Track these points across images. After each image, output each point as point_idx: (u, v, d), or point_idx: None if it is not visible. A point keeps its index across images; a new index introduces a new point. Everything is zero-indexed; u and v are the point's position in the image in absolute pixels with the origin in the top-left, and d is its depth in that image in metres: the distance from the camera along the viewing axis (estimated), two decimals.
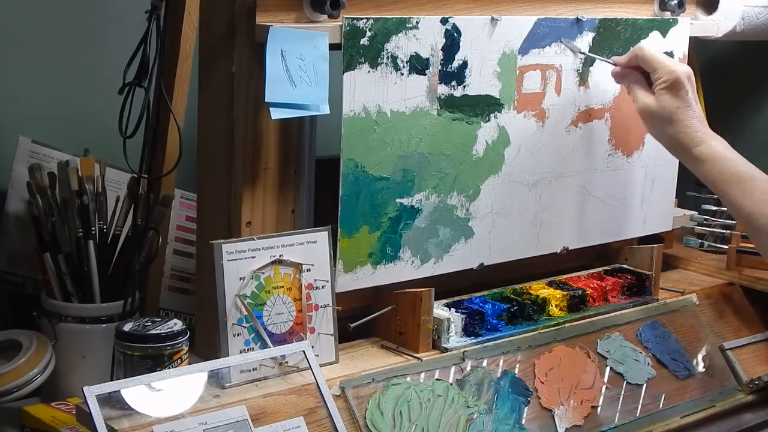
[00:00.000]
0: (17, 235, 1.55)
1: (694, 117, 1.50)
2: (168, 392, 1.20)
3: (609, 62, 1.59)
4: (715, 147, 1.49)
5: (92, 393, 1.12)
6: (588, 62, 1.61)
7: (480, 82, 1.48)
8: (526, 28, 1.52)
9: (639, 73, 1.54)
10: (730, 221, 1.85)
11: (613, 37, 1.62)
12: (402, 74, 1.40)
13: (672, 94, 1.49)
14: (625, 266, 1.74)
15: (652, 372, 1.57)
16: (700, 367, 1.63)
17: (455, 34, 1.44)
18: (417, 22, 1.40)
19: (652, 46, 1.56)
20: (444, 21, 1.43)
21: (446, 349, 1.43)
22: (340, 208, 1.38)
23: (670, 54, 1.72)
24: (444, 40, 1.43)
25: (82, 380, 1.30)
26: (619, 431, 1.49)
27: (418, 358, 1.40)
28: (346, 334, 1.42)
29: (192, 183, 1.52)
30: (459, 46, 1.45)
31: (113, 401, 1.17)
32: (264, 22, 1.30)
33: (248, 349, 1.31)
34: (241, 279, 1.30)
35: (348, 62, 1.35)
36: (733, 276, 1.80)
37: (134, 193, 1.50)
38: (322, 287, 1.37)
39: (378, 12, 1.39)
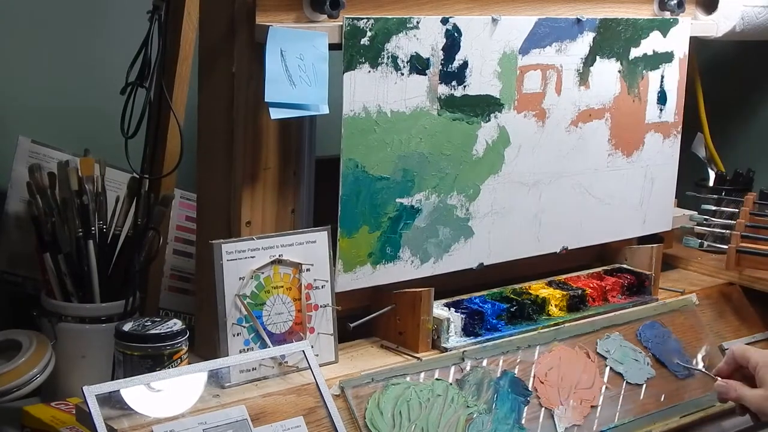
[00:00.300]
0: (17, 235, 1.55)
1: None
2: (168, 392, 1.20)
3: (712, 376, 1.51)
4: None
5: (92, 393, 1.12)
6: (589, 62, 1.61)
7: (480, 82, 1.48)
8: (527, 28, 1.52)
9: (737, 380, 1.46)
10: (730, 221, 1.85)
11: (614, 37, 1.62)
12: (402, 74, 1.40)
13: None
14: (624, 266, 1.74)
15: (651, 372, 1.57)
16: (700, 367, 1.63)
17: (455, 34, 1.44)
18: (417, 22, 1.40)
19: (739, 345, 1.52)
20: (444, 21, 1.43)
21: (446, 349, 1.43)
22: (339, 208, 1.38)
23: (670, 54, 1.72)
24: (444, 40, 1.43)
25: (81, 380, 1.30)
26: (619, 431, 1.49)
27: (418, 358, 1.40)
28: (345, 334, 1.42)
29: (192, 183, 1.52)
30: (459, 46, 1.45)
31: (113, 401, 1.17)
32: (264, 22, 1.30)
33: (248, 349, 1.31)
34: (240, 279, 1.30)
35: (348, 62, 1.35)
36: (732, 276, 1.80)
37: (134, 193, 1.50)
38: (322, 287, 1.37)
39: (378, 12, 1.39)
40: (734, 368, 1.48)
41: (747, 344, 1.70)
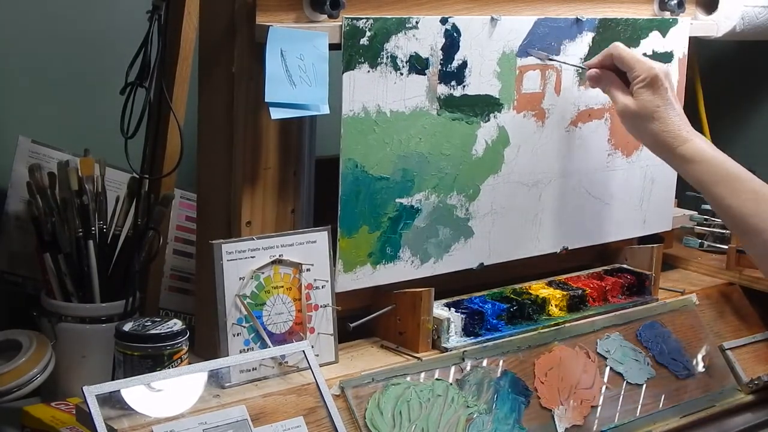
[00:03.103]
0: (17, 235, 1.55)
1: (676, 115, 1.45)
2: (168, 392, 1.20)
3: (581, 66, 1.56)
4: (701, 146, 1.44)
5: (92, 393, 1.12)
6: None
7: (480, 82, 1.48)
8: (526, 28, 1.52)
9: (614, 74, 1.49)
10: None
11: (613, 37, 1.62)
12: (402, 74, 1.40)
13: (652, 92, 1.44)
14: (624, 266, 1.74)
15: (651, 372, 1.57)
16: (700, 367, 1.63)
17: (455, 34, 1.44)
18: (417, 22, 1.40)
19: (625, 46, 1.51)
20: (444, 21, 1.43)
21: (446, 349, 1.43)
22: (339, 208, 1.38)
23: (670, 54, 1.72)
24: (444, 40, 1.43)
25: (81, 380, 1.30)
26: (619, 431, 1.49)
27: (418, 358, 1.40)
28: (345, 334, 1.42)
29: (192, 183, 1.52)
30: (459, 46, 1.45)
31: (113, 401, 1.17)
32: (264, 22, 1.30)
33: (248, 349, 1.31)
34: (240, 279, 1.30)
35: (348, 62, 1.35)
36: (733, 276, 1.80)
37: (134, 193, 1.50)
38: (322, 287, 1.37)
39: (378, 12, 1.39)
40: (609, 66, 1.49)
41: (747, 344, 1.70)
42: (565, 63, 1.56)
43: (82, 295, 1.48)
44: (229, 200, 1.37)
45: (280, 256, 1.34)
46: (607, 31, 1.61)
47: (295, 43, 1.30)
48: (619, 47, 1.49)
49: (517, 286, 1.60)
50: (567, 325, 1.55)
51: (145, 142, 1.47)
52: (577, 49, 1.59)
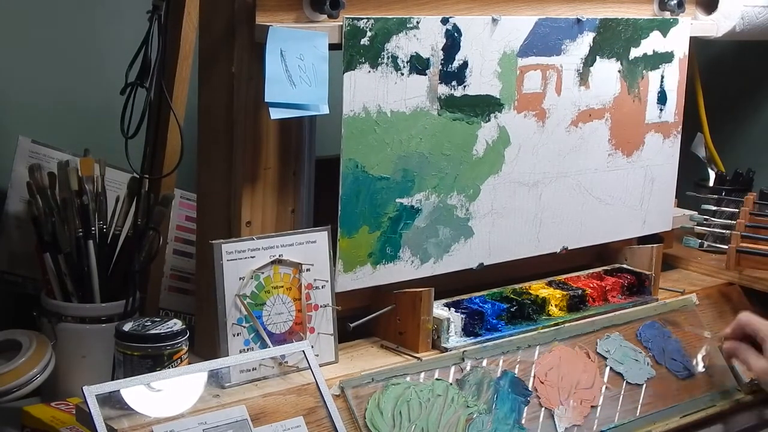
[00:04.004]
0: (17, 235, 1.55)
1: None
2: (168, 392, 1.20)
3: (720, 345, 1.61)
4: None
5: (92, 393, 1.12)
6: (589, 62, 1.61)
7: (480, 82, 1.48)
8: (527, 28, 1.52)
9: (745, 344, 1.55)
10: (730, 221, 1.85)
11: (614, 37, 1.62)
12: (402, 74, 1.40)
13: None
14: (624, 266, 1.74)
15: (651, 372, 1.57)
16: (700, 367, 1.63)
17: (456, 34, 1.44)
18: (417, 22, 1.40)
19: (751, 313, 1.58)
20: (444, 21, 1.43)
21: (446, 349, 1.43)
22: (339, 208, 1.38)
23: (671, 54, 1.72)
24: (444, 40, 1.43)
25: (82, 380, 1.30)
26: (619, 431, 1.49)
27: (418, 358, 1.40)
28: (345, 334, 1.42)
29: (192, 183, 1.52)
30: (459, 46, 1.45)
31: (113, 401, 1.17)
32: (264, 21, 1.30)
33: (248, 349, 1.31)
34: (240, 279, 1.30)
35: (348, 62, 1.35)
36: (732, 276, 1.80)
37: (134, 193, 1.50)
38: (322, 287, 1.37)
39: (378, 12, 1.39)
40: (740, 335, 1.56)
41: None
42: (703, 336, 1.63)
43: (82, 295, 1.48)
44: (229, 200, 1.37)
45: (280, 256, 1.34)
46: (607, 31, 1.61)
47: (295, 43, 1.30)
48: (749, 316, 1.56)
49: (517, 286, 1.61)
50: (567, 325, 1.55)
51: (145, 142, 1.47)
52: (578, 49, 1.59)
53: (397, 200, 1.43)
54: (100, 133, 1.57)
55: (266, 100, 1.29)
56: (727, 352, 1.59)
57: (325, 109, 1.35)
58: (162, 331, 1.26)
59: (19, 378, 1.37)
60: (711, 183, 2.05)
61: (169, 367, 1.25)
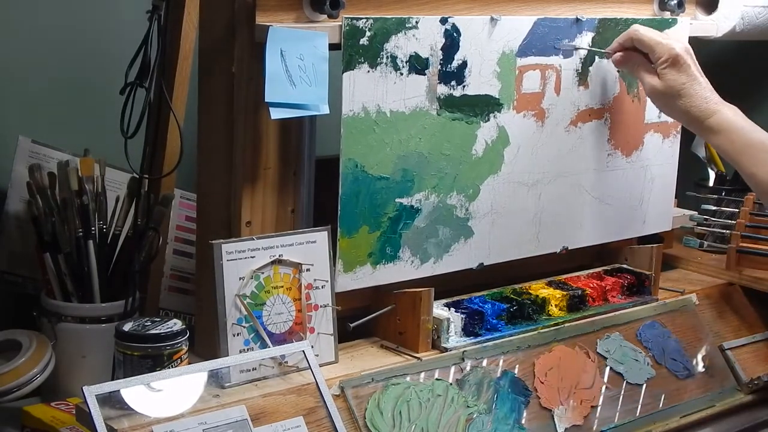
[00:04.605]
0: (17, 235, 1.55)
1: (702, 89, 1.50)
2: (168, 392, 1.20)
3: (605, 52, 1.58)
4: (727, 116, 1.49)
5: (92, 393, 1.12)
6: (588, 62, 1.61)
7: (479, 82, 1.48)
8: (526, 28, 1.52)
9: (639, 54, 1.53)
10: (730, 221, 1.85)
11: (613, 37, 1.62)
12: (401, 74, 1.40)
13: (676, 71, 1.49)
14: (624, 266, 1.74)
15: (651, 372, 1.57)
16: (700, 367, 1.63)
17: (455, 34, 1.44)
18: (416, 22, 1.40)
19: (645, 27, 1.55)
20: (443, 21, 1.43)
21: (446, 349, 1.43)
22: (339, 208, 1.38)
23: None
24: (443, 40, 1.43)
25: (82, 380, 1.30)
26: (619, 431, 1.49)
27: (418, 358, 1.40)
28: (345, 334, 1.42)
29: (192, 183, 1.52)
30: (458, 46, 1.45)
31: (113, 401, 1.17)
32: (264, 21, 1.30)
33: (248, 349, 1.31)
34: (240, 279, 1.30)
35: (347, 62, 1.35)
36: (732, 276, 1.80)
37: (134, 193, 1.50)
38: (322, 287, 1.37)
39: (377, 12, 1.39)
40: (629, 48, 1.53)
41: (747, 344, 1.70)
42: (589, 49, 1.58)
43: (82, 295, 1.48)
44: (229, 200, 1.37)
45: (280, 256, 1.34)
46: (607, 31, 1.61)
47: (295, 43, 1.30)
48: (639, 31, 1.53)
49: (517, 286, 1.61)
50: (567, 325, 1.55)
51: (145, 142, 1.47)
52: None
53: (397, 200, 1.43)
54: (100, 133, 1.57)
55: (266, 100, 1.29)
56: (618, 62, 1.55)
57: (325, 109, 1.35)
58: (162, 331, 1.26)
59: (19, 378, 1.37)
60: (711, 183, 2.05)
61: (169, 367, 1.25)
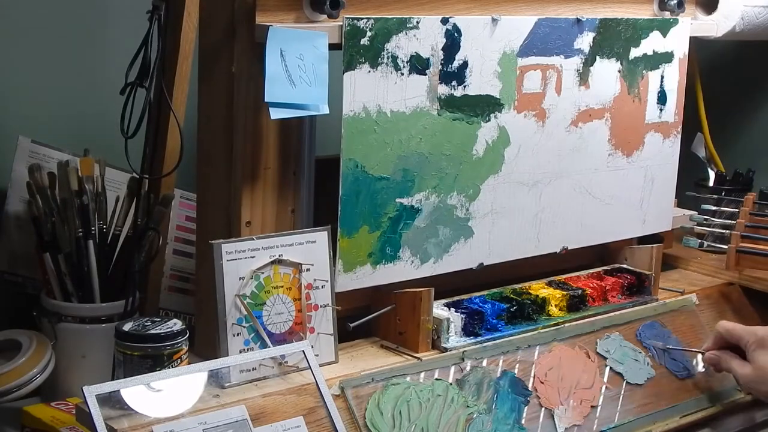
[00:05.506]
0: (17, 235, 1.55)
1: None
2: (168, 392, 1.20)
3: (700, 351, 1.61)
4: None
5: (92, 393, 1.12)
6: (588, 62, 1.61)
7: (480, 82, 1.48)
8: (527, 28, 1.52)
9: (728, 352, 1.55)
10: (730, 221, 1.85)
11: (614, 37, 1.62)
12: (402, 74, 1.40)
13: (764, 351, 1.50)
14: (624, 266, 1.74)
15: (651, 372, 1.57)
16: (700, 367, 1.63)
17: (455, 34, 1.44)
18: (417, 22, 1.40)
19: (728, 321, 1.58)
20: (444, 21, 1.43)
21: (446, 349, 1.43)
22: (339, 208, 1.38)
23: (671, 54, 1.72)
24: (444, 40, 1.43)
25: (81, 380, 1.30)
26: (619, 431, 1.49)
27: (418, 358, 1.40)
28: (345, 334, 1.42)
29: (192, 183, 1.52)
30: (459, 46, 1.45)
31: (113, 401, 1.17)
32: (264, 21, 1.30)
33: (248, 349, 1.31)
34: (240, 279, 1.30)
35: (348, 62, 1.35)
36: (732, 276, 1.80)
37: (134, 193, 1.50)
38: (322, 287, 1.37)
39: (378, 12, 1.39)
40: (722, 345, 1.55)
41: None
42: (685, 350, 1.62)
43: (82, 295, 1.48)
44: (229, 200, 1.37)
45: (280, 256, 1.34)
46: (607, 31, 1.61)
47: (295, 43, 1.30)
48: (725, 325, 1.55)
49: (517, 286, 1.61)
50: (567, 325, 1.55)
51: (145, 142, 1.47)
52: (578, 49, 1.59)
53: (397, 200, 1.43)
54: (100, 133, 1.57)
55: (266, 100, 1.29)
56: (710, 363, 1.58)
57: (325, 109, 1.35)
58: (162, 331, 1.26)
59: (19, 378, 1.37)
60: (711, 183, 2.05)
61: (169, 367, 1.25)
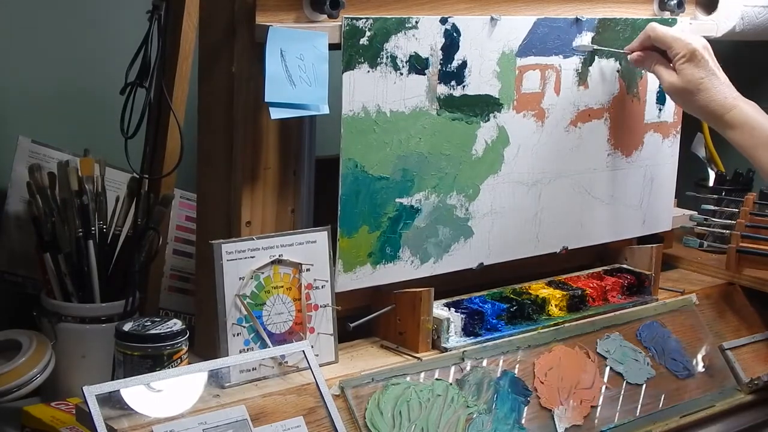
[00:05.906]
0: (17, 235, 1.55)
1: (720, 84, 1.52)
2: (167, 392, 1.20)
3: (623, 52, 1.60)
4: (746, 111, 1.51)
5: (92, 393, 1.13)
6: (588, 62, 1.61)
7: (479, 81, 1.48)
8: (526, 28, 1.52)
9: (656, 53, 1.55)
10: (730, 221, 1.85)
11: (613, 37, 1.62)
12: (401, 74, 1.40)
13: (694, 66, 1.50)
14: (624, 266, 1.74)
15: (651, 372, 1.57)
16: (700, 367, 1.63)
17: (455, 34, 1.44)
18: (416, 22, 1.40)
19: (662, 25, 1.57)
20: (443, 21, 1.43)
21: (446, 349, 1.43)
22: (339, 208, 1.38)
23: None
24: (443, 40, 1.44)
25: (81, 380, 1.30)
26: (619, 431, 1.49)
27: (418, 358, 1.40)
28: (345, 334, 1.42)
29: (192, 183, 1.52)
30: (458, 46, 1.45)
31: (113, 401, 1.17)
32: (264, 21, 1.30)
33: (248, 349, 1.31)
34: (240, 279, 1.30)
35: (347, 62, 1.35)
36: (732, 276, 1.80)
37: (134, 193, 1.50)
38: (322, 287, 1.37)
39: (377, 12, 1.39)
40: (647, 47, 1.55)
41: (747, 344, 1.70)
42: (607, 50, 1.60)
43: (82, 295, 1.48)
44: (229, 200, 1.37)
45: (280, 256, 1.34)
46: (606, 30, 1.61)
47: (295, 43, 1.30)
48: (655, 28, 1.54)
49: (517, 286, 1.61)
50: (567, 325, 1.55)
51: (145, 142, 1.47)
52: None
53: (397, 200, 1.43)
54: (100, 133, 1.57)
55: (266, 100, 1.29)
56: (635, 63, 1.57)
57: (325, 109, 1.35)
58: (162, 331, 1.26)
59: (19, 378, 1.37)
60: (711, 183, 2.05)
61: (169, 367, 1.25)
